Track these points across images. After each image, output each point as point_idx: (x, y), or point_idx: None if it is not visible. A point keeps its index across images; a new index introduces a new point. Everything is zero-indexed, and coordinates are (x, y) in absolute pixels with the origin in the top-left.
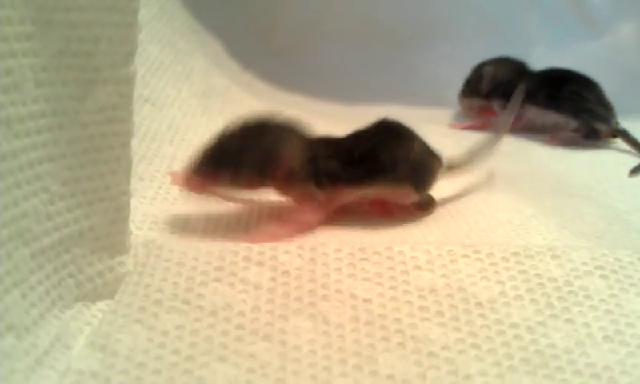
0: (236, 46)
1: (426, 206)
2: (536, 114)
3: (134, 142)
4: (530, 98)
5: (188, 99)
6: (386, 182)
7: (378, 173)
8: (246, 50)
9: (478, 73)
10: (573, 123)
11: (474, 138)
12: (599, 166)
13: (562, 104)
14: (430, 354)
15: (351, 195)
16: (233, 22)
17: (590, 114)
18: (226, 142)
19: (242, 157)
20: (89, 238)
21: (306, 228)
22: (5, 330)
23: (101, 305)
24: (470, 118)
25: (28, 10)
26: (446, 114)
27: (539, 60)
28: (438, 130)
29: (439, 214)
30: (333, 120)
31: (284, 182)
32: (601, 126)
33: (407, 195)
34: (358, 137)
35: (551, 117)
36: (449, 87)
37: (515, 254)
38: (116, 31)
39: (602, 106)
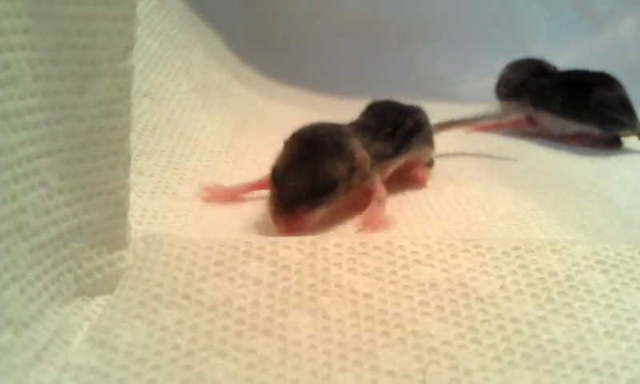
0: (235, 39)
1: (431, 163)
2: (552, 123)
3: (133, 136)
4: (545, 104)
5: (187, 93)
6: (416, 143)
7: (410, 138)
8: (245, 43)
9: (500, 75)
10: (596, 131)
11: (476, 138)
12: (600, 161)
13: (585, 114)
14: (431, 349)
15: (395, 166)
16: (232, 15)
17: (615, 124)
18: (300, 171)
19: (329, 180)
20: (87, 232)
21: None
22: (3, 325)
23: (100, 300)
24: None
25: (25, 2)
26: (447, 108)
27: (539, 55)
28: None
29: (439, 208)
30: (332, 114)
31: (360, 181)
32: (626, 133)
33: (427, 153)
34: (377, 115)
35: (572, 126)
36: (449, 82)
37: (516, 248)
38: (114, 24)
39: (626, 111)
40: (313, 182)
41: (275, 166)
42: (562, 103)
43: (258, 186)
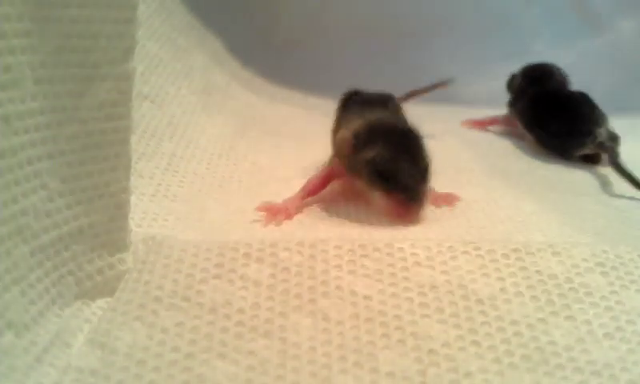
0: (236, 42)
1: None
2: (524, 131)
3: (133, 139)
4: (520, 113)
5: (187, 96)
6: None
7: None
8: (245, 46)
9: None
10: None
11: (477, 140)
12: (599, 163)
13: (540, 136)
14: (430, 351)
15: None
16: (233, 18)
17: (558, 150)
18: (409, 160)
19: (429, 160)
20: (88, 235)
21: None
22: (4, 327)
23: (100, 302)
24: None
25: (27, 6)
26: (449, 111)
27: (540, 57)
28: (445, 127)
29: (439, 210)
30: (333, 117)
31: None
32: (585, 150)
33: None
34: (355, 104)
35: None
36: (451, 84)
37: (516, 250)
38: (115, 27)
39: (576, 135)
40: (424, 165)
41: (373, 162)
42: (529, 119)
43: (322, 184)
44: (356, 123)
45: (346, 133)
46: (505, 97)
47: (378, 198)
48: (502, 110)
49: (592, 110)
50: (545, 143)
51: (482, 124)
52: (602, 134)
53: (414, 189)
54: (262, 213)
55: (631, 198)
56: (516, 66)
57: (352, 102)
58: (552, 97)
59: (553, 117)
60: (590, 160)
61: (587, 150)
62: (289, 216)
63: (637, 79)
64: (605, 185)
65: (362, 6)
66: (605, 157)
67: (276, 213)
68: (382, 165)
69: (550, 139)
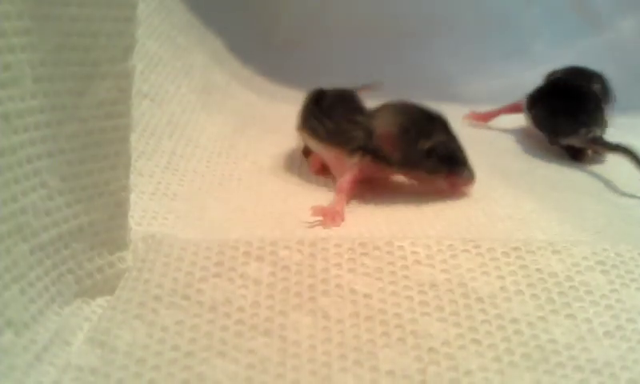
0: (236, 41)
1: None
2: (526, 114)
3: (133, 138)
4: (530, 95)
5: (187, 95)
6: None
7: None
8: (246, 45)
9: None
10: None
11: (477, 138)
12: (599, 161)
13: (537, 113)
14: (431, 349)
15: None
16: (233, 17)
17: (548, 130)
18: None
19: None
20: (88, 233)
21: None
22: (4, 326)
23: (100, 301)
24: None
25: (26, 4)
26: (448, 109)
27: (540, 56)
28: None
29: (439, 208)
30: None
31: None
32: (571, 141)
33: None
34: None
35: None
36: (451, 83)
37: (516, 248)
38: (114, 25)
39: (565, 121)
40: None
41: (436, 149)
42: (534, 111)
43: (355, 186)
44: (388, 119)
45: (391, 130)
46: (505, 96)
47: (441, 181)
48: None
49: (597, 110)
50: (538, 121)
51: (484, 117)
52: (597, 132)
53: (470, 165)
54: (319, 217)
55: (632, 197)
56: (516, 66)
57: (324, 101)
58: (565, 86)
59: (557, 99)
60: (577, 156)
61: (576, 142)
62: (342, 220)
63: (637, 79)
64: (605, 184)
65: (361, 6)
66: (591, 155)
67: (333, 217)
68: (446, 149)
69: (545, 117)
